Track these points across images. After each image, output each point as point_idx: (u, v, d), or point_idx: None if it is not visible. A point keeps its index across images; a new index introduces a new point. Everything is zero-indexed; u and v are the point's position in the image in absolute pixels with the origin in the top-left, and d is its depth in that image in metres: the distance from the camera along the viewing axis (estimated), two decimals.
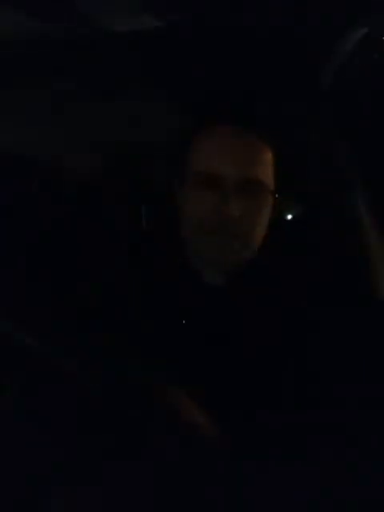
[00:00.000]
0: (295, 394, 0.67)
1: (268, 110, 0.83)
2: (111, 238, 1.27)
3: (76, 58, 0.85)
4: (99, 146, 1.25)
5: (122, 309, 0.75)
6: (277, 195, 0.77)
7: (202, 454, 0.50)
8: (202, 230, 0.72)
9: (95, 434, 0.53)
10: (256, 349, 0.70)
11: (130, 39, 0.79)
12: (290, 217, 1.28)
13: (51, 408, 0.53)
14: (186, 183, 0.75)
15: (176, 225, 0.78)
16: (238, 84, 0.88)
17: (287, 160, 0.82)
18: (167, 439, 0.49)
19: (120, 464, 0.55)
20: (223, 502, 0.50)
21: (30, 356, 0.48)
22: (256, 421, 0.62)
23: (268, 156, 0.74)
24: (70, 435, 0.57)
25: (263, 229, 0.75)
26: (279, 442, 0.62)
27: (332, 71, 0.89)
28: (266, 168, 0.74)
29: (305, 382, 0.68)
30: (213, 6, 0.74)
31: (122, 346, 0.53)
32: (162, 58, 0.83)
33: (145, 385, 0.51)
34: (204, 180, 0.72)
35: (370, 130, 0.94)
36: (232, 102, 0.80)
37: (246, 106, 0.79)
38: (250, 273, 0.77)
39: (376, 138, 0.93)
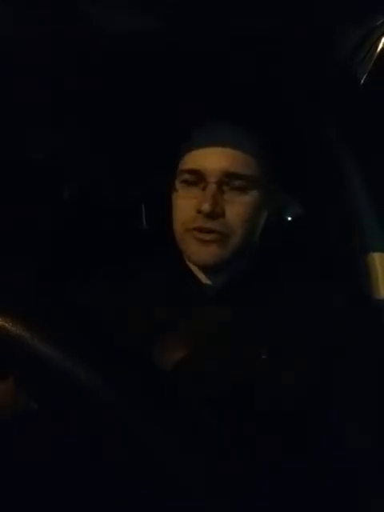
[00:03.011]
0: (296, 397, 0.67)
1: (265, 109, 0.83)
2: (111, 237, 1.27)
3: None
4: (101, 146, 1.25)
5: (121, 309, 0.75)
6: (274, 195, 0.77)
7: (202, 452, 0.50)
8: (186, 227, 0.72)
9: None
10: (252, 351, 0.70)
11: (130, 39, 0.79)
12: (290, 217, 1.28)
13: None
14: (176, 185, 0.76)
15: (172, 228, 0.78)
16: (234, 83, 0.88)
17: (286, 159, 0.82)
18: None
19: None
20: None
21: (35, 355, 0.48)
22: (255, 424, 0.62)
23: (258, 153, 0.73)
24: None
25: (252, 225, 0.74)
26: (278, 443, 0.62)
27: (334, 69, 0.89)
28: (253, 164, 0.72)
29: (305, 384, 0.68)
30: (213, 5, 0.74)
31: (120, 346, 0.53)
32: (161, 58, 0.83)
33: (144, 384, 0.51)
34: (188, 177, 0.73)
35: (371, 128, 0.94)
36: (227, 100, 0.80)
37: (241, 104, 0.79)
38: (248, 275, 0.76)
39: (376, 137, 0.93)
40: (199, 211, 0.70)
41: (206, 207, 0.68)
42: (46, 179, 1.34)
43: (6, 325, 0.48)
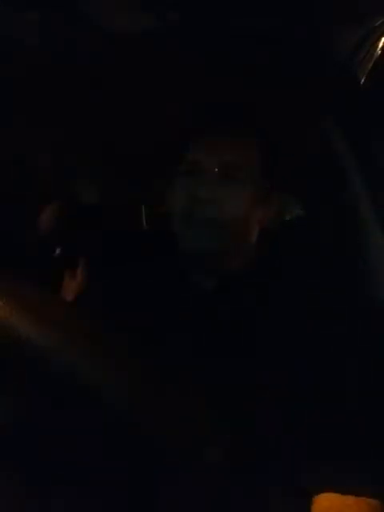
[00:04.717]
0: (295, 399, 0.67)
1: (264, 108, 0.84)
2: (111, 237, 1.27)
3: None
4: (101, 146, 1.25)
5: (120, 310, 0.75)
6: (272, 192, 0.77)
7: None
8: (185, 213, 0.73)
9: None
10: (249, 353, 0.69)
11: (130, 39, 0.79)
12: (289, 217, 1.28)
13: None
14: (176, 175, 0.77)
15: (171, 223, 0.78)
16: (233, 84, 0.89)
17: (286, 159, 0.82)
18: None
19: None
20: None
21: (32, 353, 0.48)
22: (252, 425, 0.62)
23: (256, 148, 0.75)
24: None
25: (247, 218, 0.75)
26: (275, 445, 0.62)
27: (334, 69, 0.89)
28: (250, 158, 0.75)
29: (304, 385, 0.68)
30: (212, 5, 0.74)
31: (118, 345, 0.53)
32: (161, 58, 0.83)
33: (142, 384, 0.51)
34: (187, 168, 0.75)
35: (371, 128, 0.94)
36: (227, 102, 0.80)
37: (241, 105, 0.80)
38: (246, 275, 0.76)
39: (376, 137, 0.93)
40: (198, 198, 0.71)
41: (204, 194, 0.71)
42: (46, 179, 1.34)
43: (6, 323, 0.48)
